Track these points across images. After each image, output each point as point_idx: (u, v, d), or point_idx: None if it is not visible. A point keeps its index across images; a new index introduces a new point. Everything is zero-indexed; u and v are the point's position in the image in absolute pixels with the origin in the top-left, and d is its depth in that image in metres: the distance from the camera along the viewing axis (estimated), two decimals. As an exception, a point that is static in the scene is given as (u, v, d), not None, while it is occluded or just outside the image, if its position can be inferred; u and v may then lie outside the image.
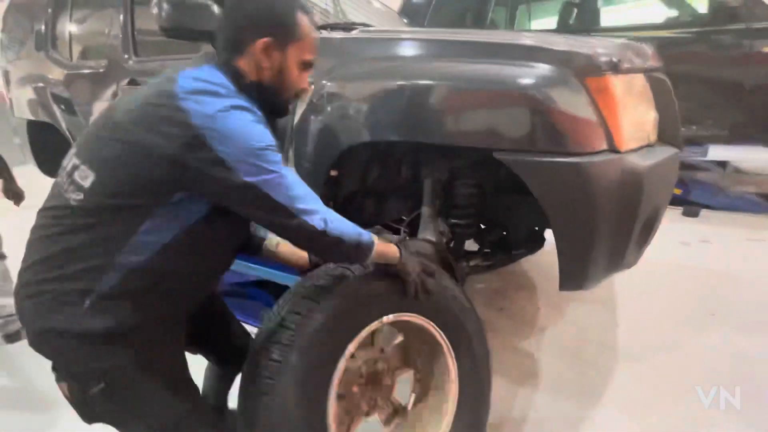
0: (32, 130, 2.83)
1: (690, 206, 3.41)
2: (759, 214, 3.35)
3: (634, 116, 1.10)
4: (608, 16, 3.62)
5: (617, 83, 1.04)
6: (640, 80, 1.14)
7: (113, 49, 2.03)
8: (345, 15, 2.30)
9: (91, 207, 0.70)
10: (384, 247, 0.89)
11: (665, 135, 1.25)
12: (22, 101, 2.78)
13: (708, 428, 1.37)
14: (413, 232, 1.67)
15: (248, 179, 0.70)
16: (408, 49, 1.32)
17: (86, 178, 0.71)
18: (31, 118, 2.75)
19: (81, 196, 0.70)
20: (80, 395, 0.74)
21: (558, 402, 1.53)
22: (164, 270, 0.74)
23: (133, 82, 1.96)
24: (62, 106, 2.47)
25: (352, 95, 1.28)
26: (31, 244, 0.76)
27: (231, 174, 0.69)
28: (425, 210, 1.57)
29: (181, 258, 0.76)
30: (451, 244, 1.65)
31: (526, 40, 1.16)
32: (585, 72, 1.02)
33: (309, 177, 1.38)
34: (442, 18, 4.35)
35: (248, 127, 0.72)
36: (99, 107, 2.21)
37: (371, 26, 1.86)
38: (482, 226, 1.93)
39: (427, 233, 1.52)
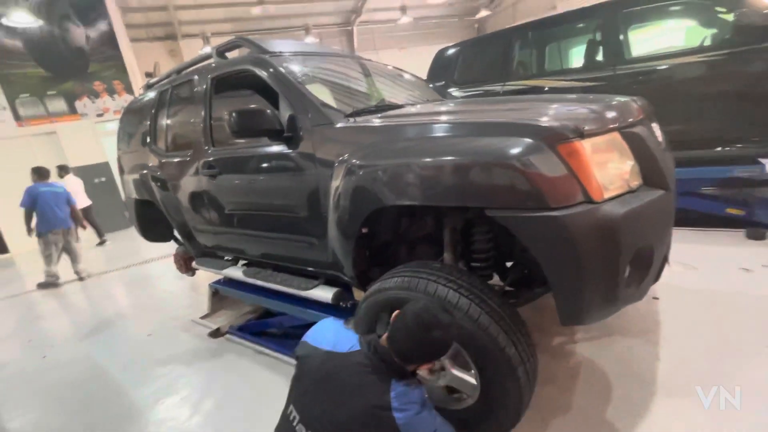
0: (138, 207, 3.56)
1: (754, 228, 3.18)
2: (842, 232, 3.04)
3: (607, 170, 1.27)
4: (636, 47, 3.68)
5: (585, 146, 1.24)
6: (610, 139, 1.31)
7: (197, 142, 2.60)
8: (379, 92, 2.70)
9: None
10: None
11: (650, 179, 1.38)
12: (130, 184, 3.53)
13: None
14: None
15: None
16: (418, 132, 1.61)
17: None
18: (137, 197, 3.47)
19: None
20: None
21: (589, 436, 1.58)
22: None
23: (208, 165, 2.49)
24: (158, 185, 3.13)
25: (381, 170, 1.57)
26: None
27: None
28: (446, 255, 1.80)
29: None
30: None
31: (509, 117, 1.41)
32: (555, 140, 1.23)
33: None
34: (470, 70, 4.70)
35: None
36: (185, 183, 2.80)
37: (397, 105, 2.22)
38: (507, 265, 2.10)
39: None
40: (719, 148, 3.30)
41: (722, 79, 3.17)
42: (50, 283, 5.01)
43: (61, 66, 7.88)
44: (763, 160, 3.15)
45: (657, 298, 2.46)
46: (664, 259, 1.50)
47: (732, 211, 3.34)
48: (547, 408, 1.74)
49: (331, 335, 1.39)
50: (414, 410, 1.19)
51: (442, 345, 1.25)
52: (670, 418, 1.60)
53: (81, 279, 5.13)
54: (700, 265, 2.80)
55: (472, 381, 1.49)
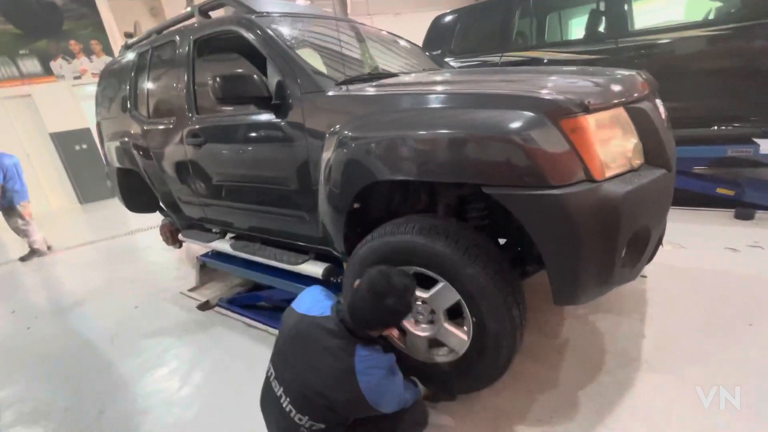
0: (120, 176, 3.42)
1: (743, 208, 3.21)
2: (829, 213, 3.08)
3: (610, 147, 1.22)
4: (640, 19, 3.55)
5: (589, 121, 1.18)
6: (615, 114, 1.25)
7: (180, 109, 2.47)
8: (373, 59, 2.57)
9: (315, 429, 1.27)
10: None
11: (652, 158, 1.34)
12: (112, 152, 3.38)
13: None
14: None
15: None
16: (414, 102, 1.52)
17: (302, 419, 1.25)
18: (119, 166, 3.33)
19: (306, 419, 1.26)
20: None
21: (573, 411, 1.61)
22: None
23: (193, 134, 2.37)
24: (141, 153, 3.00)
25: (374, 143, 1.50)
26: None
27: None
28: (440, 233, 1.76)
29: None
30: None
31: (510, 88, 1.33)
32: (559, 114, 1.17)
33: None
34: (468, 39, 4.51)
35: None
36: (169, 152, 2.68)
37: (391, 73, 2.11)
38: (500, 243, 2.08)
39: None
40: (715, 127, 3.26)
41: (725, 55, 3.09)
42: (41, 252, 4.88)
43: (33, 23, 7.36)
44: (758, 140, 3.14)
45: (645, 276, 2.48)
46: (659, 240, 1.49)
47: (722, 191, 3.36)
48: (535, 383, 1.77)
49: (309, 300, 1.44)
50: (378, 375, 1.24)
51: (396, 311, 1.30)
52: (652, 394, 1.63)
53: (49, 248, 5.02)
54: (688, 244, 2.83)
55: (463, 337, 1.51)
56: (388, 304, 1.26)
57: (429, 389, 1.64)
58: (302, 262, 2.15)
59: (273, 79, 1.85)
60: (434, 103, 1.45)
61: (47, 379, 2.37)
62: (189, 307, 2.98)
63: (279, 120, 1.86)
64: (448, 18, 4.75)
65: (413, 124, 1.42)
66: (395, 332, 1.72)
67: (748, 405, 1.52)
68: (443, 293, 1.49)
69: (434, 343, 1.66)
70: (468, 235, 1.44)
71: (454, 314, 1.57)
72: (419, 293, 1.55)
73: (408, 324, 1.66)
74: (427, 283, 1.54)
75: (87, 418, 1.97)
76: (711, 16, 3.24)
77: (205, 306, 2.94)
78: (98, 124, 3.69)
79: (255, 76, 1.74)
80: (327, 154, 1.69)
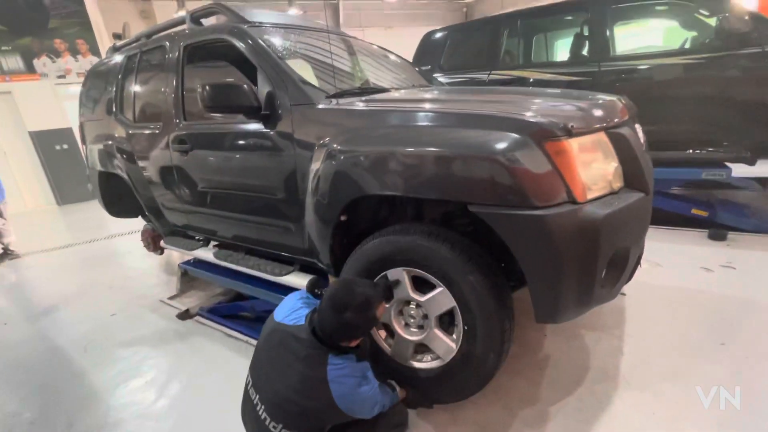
0: (102, 179, 3.35)
1: (717, 229, 3.33)
2: (796, 236, 3.23)
3: (592, 170, 1.27)
4: (621, 44, 3.71)
5: (573, 145, 1.22)
6: (596, 139, 1.30)
7: (167, 114, 2.44)
8: (364, 73, 2.60)
9: None
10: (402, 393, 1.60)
11: (632, 182, 1.39)
12: (94, 155, 3.30)
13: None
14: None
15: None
16: (404, 119, 1.55)
17: (276, 426, 1.25)
18: (101, 169, 3.26)
19: (280, 426, 1.26)
20: None
21: (552, 428, 1.62)
22: None
23: (179, 140, 2.35)
24: (125, 157, 2.94)
25: (364, 157, 1.52)
26: None
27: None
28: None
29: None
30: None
31: (497, 109, 1.37)
32: (543, 137, 1.21)
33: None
34: (457, 56, 4.61)
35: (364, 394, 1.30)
36: (154, 157, 2.64)
37: (382, 88, 2.14)
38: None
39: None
40: (690, 151, 3.40)
41: (700, 82, 3.24)
42: (15, 254, 4.71)
43: (18, 19, 7.20)
44: (730, 165, 3.28)
45: (624, 294, 2.54)
46: (638, 261, 1.53)
47: (697, 212, 3.48)
48: (515, 398, 1.78)
49: (287, 308, 1.45)
50: (350, 384, 1.25)
51: (356, 326, 1.31)
52: (629, 411, 1.66)
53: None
54: (664, 263, 2.92)
55: (452, 344, 1.53)
56: (346, 318, 1.27)
57: (407, 394, 1.64)
58: (287, 274, 2.13)
59: (263, 89, 1.86)
60: (423, 121, 1.48)
61: (13, 390, 2.27)
62: (168, 315, 2.91)
63: (268, 130, 1.86)
64: (439, 35, 4.85)
65: (403, 141, 1.44)
66: (382, 332, 1.73)
67: (720, 423, 1.56)
68: (440, 298, 1.50)
69: (420, 348, 1.68)
70: (472, 245, 1.47)
71: (443, 324, 1.59)
72: (415, 296, 1.57)
73: (398, 326, 1.67)
74: (424, 288, 1.57)
75: (55, 432, 1.89)
76: (687, 45, 3.41)
77: (185, 315, 2.87)
78: (81, 125, 3.61)
79: (245, 85, 1.75)
80: (316, 165, 1.69)
